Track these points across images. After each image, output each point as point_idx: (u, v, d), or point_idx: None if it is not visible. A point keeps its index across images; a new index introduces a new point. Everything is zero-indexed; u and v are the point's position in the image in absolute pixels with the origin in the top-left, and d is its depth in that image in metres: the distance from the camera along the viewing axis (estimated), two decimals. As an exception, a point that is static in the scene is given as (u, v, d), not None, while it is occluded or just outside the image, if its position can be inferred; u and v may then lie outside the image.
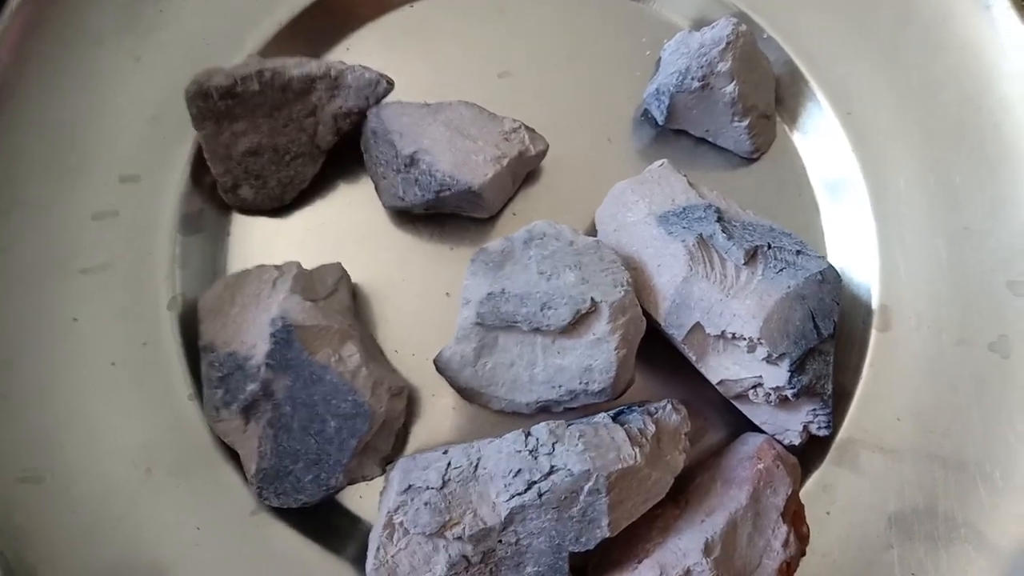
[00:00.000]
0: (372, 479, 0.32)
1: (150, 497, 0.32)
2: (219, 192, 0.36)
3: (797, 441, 0.33)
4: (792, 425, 0.33)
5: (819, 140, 0.39)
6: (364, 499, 0.34)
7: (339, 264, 0.35)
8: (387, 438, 0.33)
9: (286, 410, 0.31)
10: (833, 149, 0.39)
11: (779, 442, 0.33)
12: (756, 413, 0.33)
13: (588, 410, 0.33)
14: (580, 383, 0.31)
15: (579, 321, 0.31)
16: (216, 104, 0.34)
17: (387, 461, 0.33)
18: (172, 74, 0.37)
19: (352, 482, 0.32)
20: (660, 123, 0.38)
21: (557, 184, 0.39)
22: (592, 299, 0.30)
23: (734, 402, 0.33)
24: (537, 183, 0.39)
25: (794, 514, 0.32)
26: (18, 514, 0.31)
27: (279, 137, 0.35)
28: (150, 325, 0.34)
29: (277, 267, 0.33)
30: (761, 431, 0.34)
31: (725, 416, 0.35)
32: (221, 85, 0.33)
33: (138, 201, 0.36)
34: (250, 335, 0.32)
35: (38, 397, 0.33)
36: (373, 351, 0.34)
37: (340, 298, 0.34)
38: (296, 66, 0.34)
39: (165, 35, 0.37)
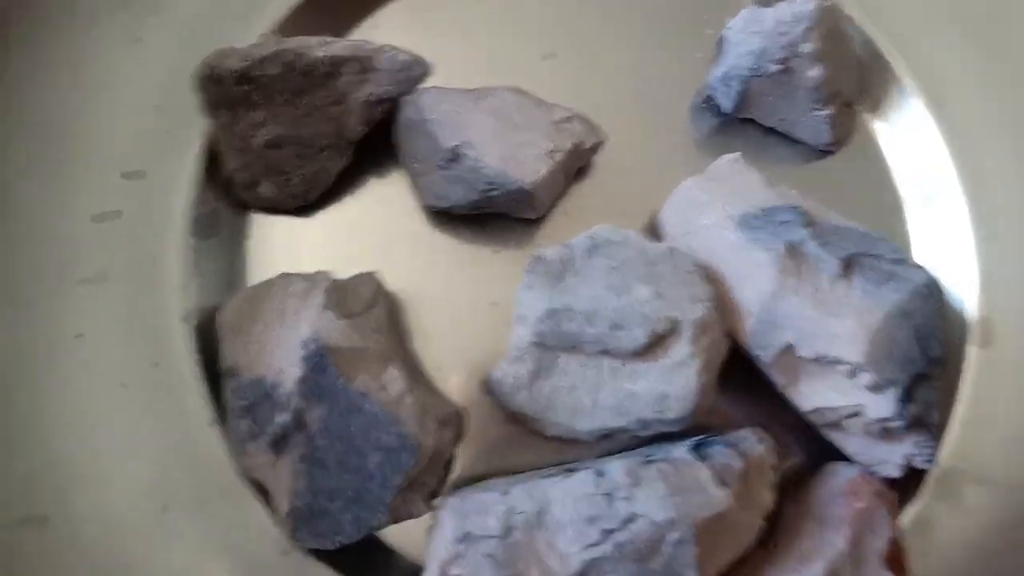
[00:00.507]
0: (418, 517, 0.29)
1: (167, 538, 0.29)
2: (236, 190, 0.32)
3: (896, 474, 0.29)
4: (891, 457, 0.29)
5: (906, 131, 0.35)
6: (405, 532, 0.30)
7: (375, 274, 0.31)
8: (435, 472, 0.29)
9: (321, 443, 0.28)
10: (922, 142, 0.35)
11: (874, 475, 0.30)
12: (848, 443, 0.30)
13: (656, 438, 0.30)
14: (654, 412, 0.28)
15: (656, 343, 0.27)
16: (231, 90, 0.30)
17: (434, 496, 0.29)
18: (178, 56, 0.33)
19: (396, 521, 0.28)
20: (726, 111, 0.34)
21: (610, 180, 0.35)
22: (670, 318, 0.27)
23: (824, 431, 0.30)
24: (588, 179, 0.35)
25: (895, 560, 0.28)
26: (19, 561, 0.27)
27: (302, 128, 0.31)
28: (162, 342, 0.31)
29: (305, 277, 0.30)
30: (850, 460, 0.30)
31: (807, 442, 0.31)
32: (236, 68, 0.29)
33: (144, 201, 0.32)
34: (277, 358, 0.28)
35: (38, 426, 0.29)
36: (416, 373, 0.30)
37: (377, 314, 0.30)
38: (320, 47, 0.30)
39: (169, 12, 0.33)
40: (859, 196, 0.35)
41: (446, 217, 0.34)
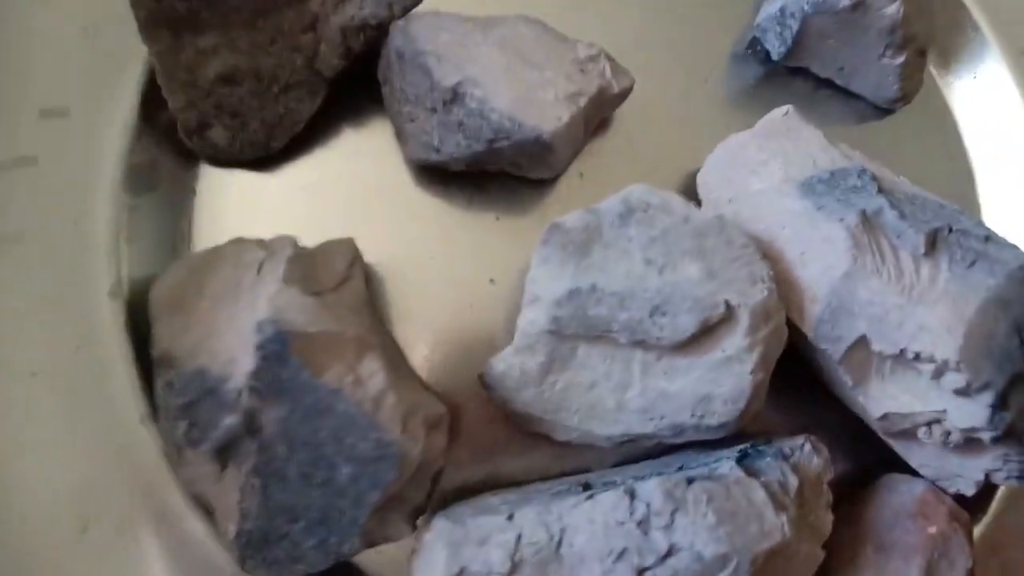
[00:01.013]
0: (399, 540, 0.24)
1: (87, 562, 0.24)
2: (180, 134, 0.27)
3: (970, 492, 0.25)
4: (967, 472, 0.24)
5: (980, 87, 0.32)
6: (381, 557, 0.26)
7: (351, 240, 0.25)
8: (421, 486, 0.24)
9: (279, 451, 0.22)
10: (998, 99, 0.32)
11: (942, 490, 0.25)
12: (916, 454, 0.25)
13: (686, 444, 0.25)
14: (693, 415, 0.23)
15: (704, 332, 0.22)
16: (174, 4, 0.24)
17: (418, 514, 0.24)
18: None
19: (371, 545, 0.23)
20: (775, 57, 0.30)
21: (635, 135, 0.31)
22: (726, 302, 0.21)
23: (890, 440, 0.25)
24: (609, 132, 0.31)
25: (971, 593, 0.24)
26: None
27: (264, 58, 0.26)
28: (85, 320, 0.26)
29: (263, 243, 0.24)
30: (909, 469, 0.26)
31: (849, 446, 0.28)
32: (183, -22, 0.23)
33: (66, 145, 0.27)
34: (225, 345, 0.23)
35: None
36: (399, 364, 0.25)
37: (354, 289, 0.24)
38: (290, -44, 0.24)
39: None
40: (925, 160, 0.31)
41: (438, 175, 0.29)
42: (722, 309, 0.22)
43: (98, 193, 0.27)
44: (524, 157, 0.26)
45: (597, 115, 0.28)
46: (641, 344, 0.23)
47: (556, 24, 0.28)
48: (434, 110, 0.25)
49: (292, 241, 0.24)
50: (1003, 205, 0.30)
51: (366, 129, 0.29)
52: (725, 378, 0.22)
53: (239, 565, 0.23)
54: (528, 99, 0.25)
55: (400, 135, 0.27)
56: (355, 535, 0.23)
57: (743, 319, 0.22)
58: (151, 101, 0.27)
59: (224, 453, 0.23)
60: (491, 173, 0.28)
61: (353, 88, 0.28)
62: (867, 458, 0.28)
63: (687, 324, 0.22)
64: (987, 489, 0.27)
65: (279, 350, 0.22)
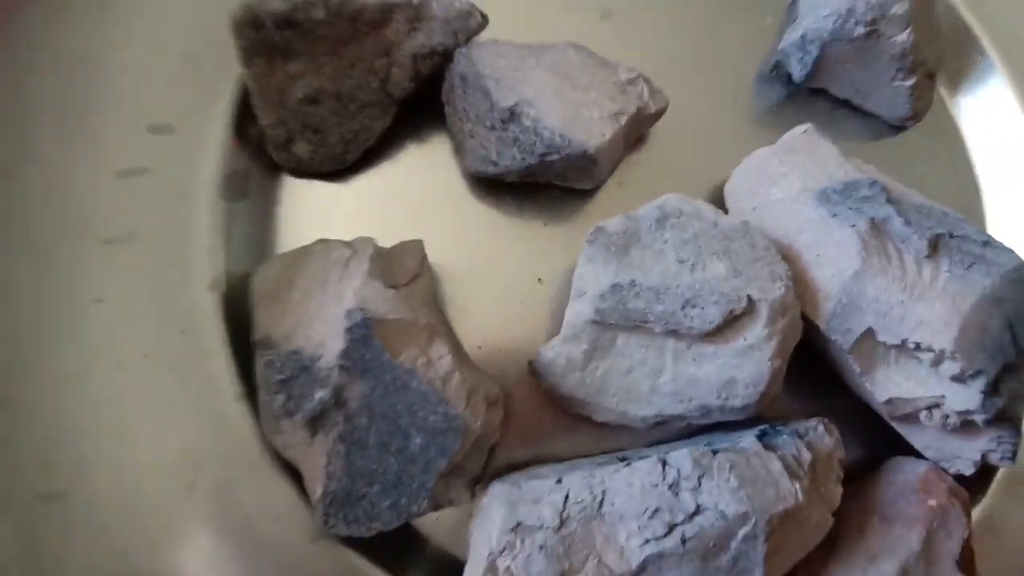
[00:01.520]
0: (459, 504, 0.27)
1: (192, 518, 0.27)
2: (268, 148, 0.30)
3: (969, 471, 0.27)
4: (965, 453, 0.27)
5: (985, 107, 0.34)
6: (439, 521, 0.29)
7: (421, 242, 0.29)
8: (479, 457, 0.27)
9: (362, 422, 0.26)
10: (1001, 118, 0.33)
11: (944, 471, 0.28)
12: (919, 437, 0.28)
13: (712, 426, 0.28)
14: (718, 398, 0.26)
15: (729, 323, 0.25)
16: (270, 35, 0.28)
17: (476, 482, 0.27)
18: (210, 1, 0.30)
19: (436, 508, 0.26)
20: (796, 80, 0.32)
21: (667, 150, 0.33)
22: (749, 296, 0.25)
23: (894, 423, 0.28)
24: (645, 148, 0.33)
25: (967, 562, 0.27)
26: (37, 536, 0.26)
27: (344, 81, 0.29)
28: (190, 309, 0.29)
29: (347, 244, 0.27)
30: (915, 453, 0.28)
31: (863, 433, 0.30)
32: (277, 11, 0.27)
33: (172, 157, 0.30)
34: (317, 329, 0.26)
35: (56, 397, 0.27)
36: (460, 350, 0.28)
37: (424, 285, 0.28)
38: (370, -10, 0.28)
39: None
40: (934, 174, 0.33)
41: (491, 185, 0.32)
42: (745, 303, 0.25)
43: (199, 199, 0.30)
44: (571, 169, 0.29)
45: (635, 131, 0.31)
46: (673, 334, 0.26)
47: (600, 50, 0.31)
48: (493, 127, 0.29)
49: (372, 242, 0.28)
50: (1007, 215, 0.32)
51: (428, 144, 0.32)
52: (747, 364, 0.25)
53: (322, 523, 0.27)
54: (576, 118, 0.28)
55: (460, 149, 0.31)
56: (423, 498, 0.26)
57: (763, 312, 0.25)
58: (243, 119, 0.31)
59: (314, 423, 0.26)
60: (539, 184, 0.31)
61: (417, 107, 0.31)
62: (878, 444, 0.30)
63: (714, 315, 0.25)
64: (986, 472, 0.30)
65: (365, 334, 0.25)
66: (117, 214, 0.29)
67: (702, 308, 0.25)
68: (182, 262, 0.29)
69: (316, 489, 0.26)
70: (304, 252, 0.27)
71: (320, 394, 0.26)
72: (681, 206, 0.26)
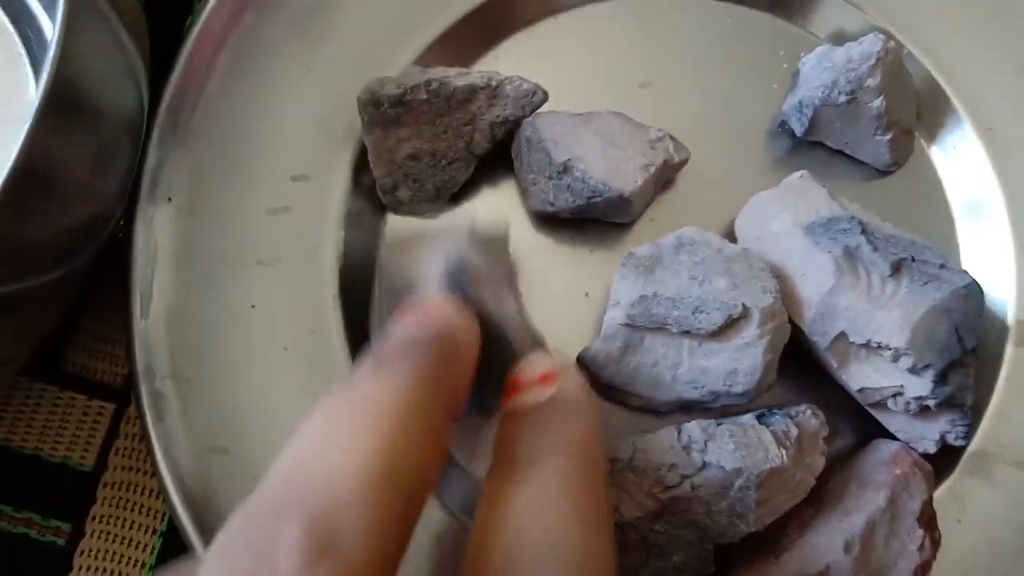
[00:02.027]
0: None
1: None
2: (378, 192, 0.39)
3: (932, 450, 0.34)
4: (928, 434, 0.34)
5: (957, 155, 0.40)
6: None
7: (507, 224, 0.35)
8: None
9: None
10: (971, 164, 0.39)
11: (913, 449, 0.34)
12: (891, 421, 0.34)
13: (724, 412, 0.35)
14: (724, 385, 0.33)
15: (729, 325, 0.32)
16: (386, 111, 0.36)
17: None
18: (338, 81, 0.39)
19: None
20: (798, 135, 0.39)
21: (692, 191, 0.40)
22: (743, 305, 0.32)
23: (870, 409, 0.35)
24: (673, 189, 0.40)
25: (928, 520, 0.33)
26: (208, 478, 0.34)
27: (438, 143, 0.37)
28: (318, 314, 0.37)
29: (456, 212, 0.35)
30: (894, 438, 0.35)
31: (855, 423, 0.37)
32: (392, 94, 0.36)
33: (307, 199, 0.38)
34: (424, 268, 0.34)
35: (223, 379, 0.36)
36: (523, 304, 0.35)
37: (502, 252, 0.35)
38: (459, 77, 0.37)
39: (332, 45, 0.40)
40: (915, 212, 0.39)
41: (549, 221, 0.39)
42: (741, 309, 0.32)
43: (326, 231, 0.38)
44: (611, 208, 0.37)
45: (663, 177, 0.38)
46: (687, 334, 0.33)
47: (638, 112, 0.38)
48: (551, 177, 0.37)
49: (474, 214, 0.34)
50: (977, 245, 0.39)
51: (499, 189, 0.39)
52: (744, 358, 0.33)
53: None
54: (615, 169, 0.36)
55: (524, 194, 0.39)
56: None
57: (755, 317, 0.32)
58: (360, 170, 0.39)
59: None
60: (587, 219, 0.38)
61: (492, 163, 0.39)
62: (866, 432, 0.36)
63: (717, 319, 0.32)
64: (952, 454, 0.36)
65: (456, 266, 0.33)
66: (267, 242, 0.37)
67: (708, 313, 0.32)
68: (313, 278, 0.37)
69: None
70: (419, 237, 0.35)
71: None
72: (694, 236, 0.34)
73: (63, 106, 0.29)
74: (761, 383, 0.33)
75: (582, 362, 0.36)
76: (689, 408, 0.35)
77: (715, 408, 0.35)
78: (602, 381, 0.35)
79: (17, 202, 0.28)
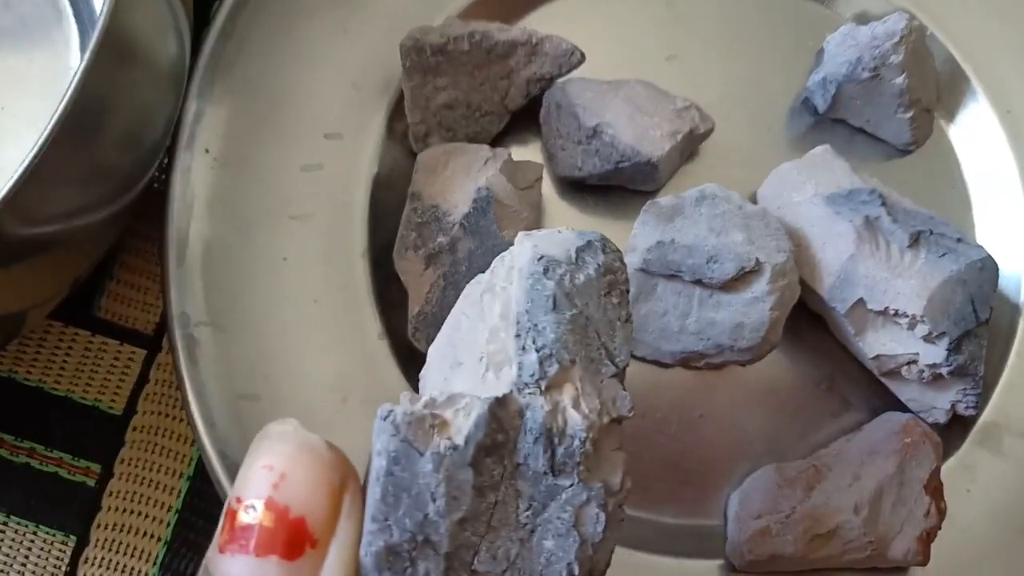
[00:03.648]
0: None
1: (345, 421, 0.36)
2: (410, 139, 0.39)
3: (943, 420, 0.35)
4: (939, 403, 0.35)
5: (975, 136, 0.41)
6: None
7: (541, 165, 0.38)
8: None
9: (462, 269, 0.35)
10: (989, 145, 0.40)
11: (923, 421, 0.35)
12: (904, 390, 0.35)
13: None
14: (729, 338, 0.34)
15: (741, 278, 0.33)
16: (428, 59, 0.37)
17: None
18: (373, 45, 0.40)
19: None
20: (820, 111, 0.40)
21: (716, 163, 0.41)
22: (757, 259, 0.33)
23: (883, 379, 0.36)
24: (697, 161, 0.41)
25: (935, 489, 0.34)
26: (240, 424, 0.35)
27: (474, 94, 0.38)
28: (347, 270, 0.38)
29: (491, 148, 0.37)
30: (905, 410, 0.36)
31: (866, 396, 0.38)
32: (435, 43, 0.37)
33: (340, 157, 0.39)
34: (454, 196, 0.36)
35: (254, 328, 0.37)
36: None
37: (534, 195, 0.37)
38: (500, 31, 0.38)
39: (370, 8, 0.41)
40: (933, 190, 0.40)
41: (575, 186, 0.40)
42: (754, 263, 0.32)
43: (357, 188, 0.38)
44: (637, 174, 0.37)
45: (688, 147, 0.39)
46: (699, 283, 0.33)
47: (665, 84, 0.39)
48: (579, 142, 0.37)
49: (508, 152, 0.37)
50: (993, 224, 0.39)
51: (526, 148, 0.40)
52: (752, 312, 0.33)
53: (410, 335, 0.36)
54: (642, 136, 0.36)
55: (552, 159, 0.39)
56: None
57: (767, 272, 0.32)
58: (393, 121, 0.39)
59: (430, 258, 0.35)
60: (613, 186, 0.39)
61: (519, 129, 0.40)
62: (875, 407, 0.37)
63: (729, 270, 0.32)
64: (963, 427, 0.37)
65: (485, 206, 0.34)
66: (300, 198, 0.38)
67: (721, 264, 0.33)
68: (344, 234, 0.38)
69: (414, 308, 0.36)
70: (461, 147, 0.37)
71: (441, 239, 0.35)
72: (717, 192, 0.35)
73: (114, 52, 0.29)
74: (765, 341, 0.34)
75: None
76: (692, 361, 0.36)
77: (716, 364, 0.35)
78: (612, 328, 0.36)
79: (68, 141, 0.29)
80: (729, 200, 0.35)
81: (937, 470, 0.34)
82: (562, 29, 0.41)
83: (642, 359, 0.37)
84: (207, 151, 0.38)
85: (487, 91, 0.38)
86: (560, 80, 0.38)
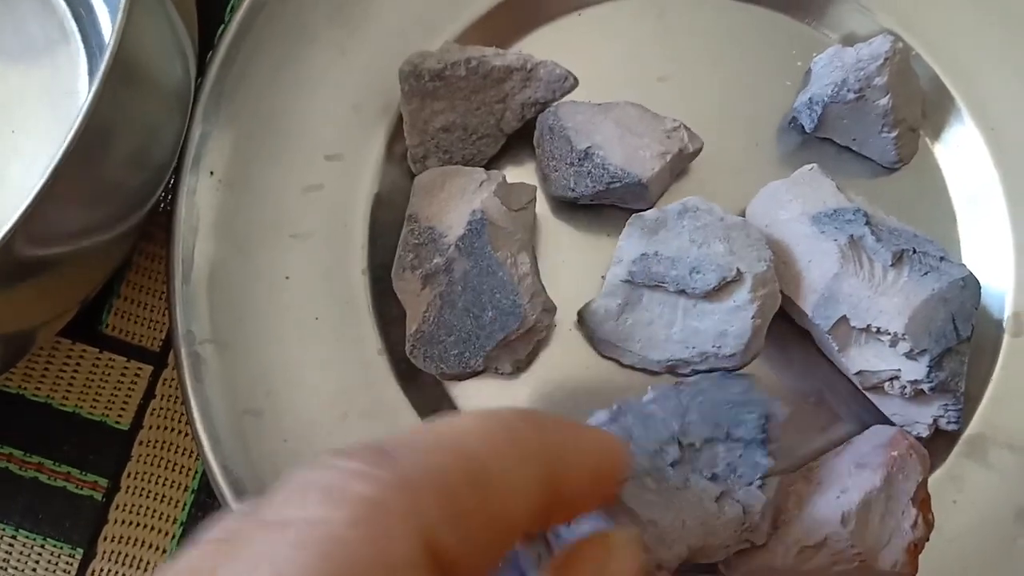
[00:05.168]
0: (504, 374, 0.38)
1: (345, 435, 0.37)
2: (408, 161, 0.40)
3: (925, 434, 0.36)
4: (922, 418, 0.35)
5: (960, 153, 0.42)
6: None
7: (535, 187, 0.39)
8: (526, 345, 0.37)
9: (457, 289, 0.36)
10: (974, 162, 0.41)
11: (909, 434, 0.36)
12: (887, 405, 0.36)
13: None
14: (713, 346, 0.35)
15: (723, 288, 0.34)
16: (426, 84, 0.38)
17: (519, 365, 0.38)
18: (372, 66, 0.41)
19: (486, 368, 0.37)
20: (808, 130, 0.41)
21: (707, 181, 0.41)
22: (738, 269, 0.34)
23: (867, 393, 0.36)
24: (687, 179, 0.42)
25: (922, 501, 0.35)
26: (244, 438, 0.36)
27: (471, 118, 0.39)
28: (348, 287, 0.39)
29: (486, 171, 0.38)
30: (890, 422, 0.37)
31: (854, 410, 0.39)
32: (433, 68, 0.38)
33: (340, 177, 0.40)
34: (449, 218, 0.37)
35: (257, 345, 0.38)
36: (536, 268, 0.38)
37: (527, 216, 0.38)
38: (496, 56, 0.39)
39: (369, 30, 0.42)
40: (918, 207, 0.41)
41: (569, 206, 0.41)
42: (735, 273, 0.33)
43: (357, 208, 0.40)
44: (628, 194, 0.38)
45: (678, 166, 0.40)
46: (683, 293, 0.34)
47: (656, 105, 0.40)
48: (571, 164, 0.38)
49: (503, 175, 0.38)
50: (978, 240, 0.40)
51: (521, 168, 0.41)
52: (735, 320, 0.34)
53: (408, 353, 0.37)
54: (632, 157, 0.37)
55: (545, 180, 0.40)
56: (481, 357, 0.36)
57: (748, 281, 0.33)
58: (392, 143, 0.40)
59: (427, 279, 0.37)
60: (605, 205, 0.40)
61: (514, 151, 0.41)
62: (863, 420, 0.38)
63: (712, 280, 0.33)
64: (949, 439, 0.37)
65: (479, 229, 0.36)
66: (301, 217, 0.39)
67: (704, 274, 0.34)
68: (344, 253, 0.39)
69: (412, 327, 0.37)
70: (456, 169, 0.38)
71: (437, 260, 0.37)
72: (699, 204, 0.36)
73: (123, 76, 0.31)
74: (748, 348, 0.34)
75: (582, 317, 0.38)
76: (678, 369, 0.37)
77: (702, 370, 0.36)
78: (599, 337, 0.37)
79: (78, 164, 0.30)
80: (711, 212, 0.36)
81: (924, 482, 0.35)
82: (557, 51, 0.42)
83: (630, 367, 0.38)
84: (212, 173, 0.39)
85: (483, 115, 0.39)
86: (553, 106, 0.39)
